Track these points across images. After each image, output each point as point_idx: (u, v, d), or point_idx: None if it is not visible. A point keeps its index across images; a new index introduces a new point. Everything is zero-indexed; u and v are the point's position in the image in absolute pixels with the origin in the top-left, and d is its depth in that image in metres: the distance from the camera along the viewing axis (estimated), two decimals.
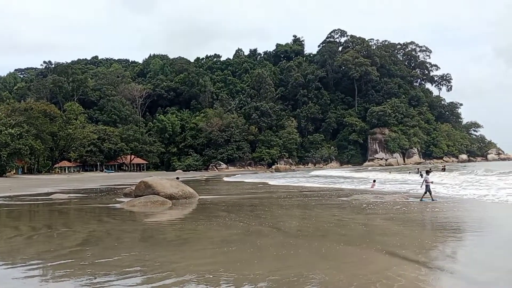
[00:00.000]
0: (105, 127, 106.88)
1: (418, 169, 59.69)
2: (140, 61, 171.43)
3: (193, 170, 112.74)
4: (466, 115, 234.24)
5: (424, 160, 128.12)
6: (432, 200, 17.73)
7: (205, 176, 77.25)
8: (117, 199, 22.39)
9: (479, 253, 8.15)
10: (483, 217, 13.79)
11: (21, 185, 41.61)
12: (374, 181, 31.41)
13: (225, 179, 56.43)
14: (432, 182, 18.97)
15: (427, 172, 19.44)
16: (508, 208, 15.83)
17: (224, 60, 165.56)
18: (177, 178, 31.74)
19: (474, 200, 18.67)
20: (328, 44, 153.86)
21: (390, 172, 55.22)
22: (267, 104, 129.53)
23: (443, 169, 52.43)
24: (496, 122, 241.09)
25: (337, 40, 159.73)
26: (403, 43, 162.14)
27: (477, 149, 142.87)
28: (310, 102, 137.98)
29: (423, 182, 18.63)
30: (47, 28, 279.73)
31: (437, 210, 14.85)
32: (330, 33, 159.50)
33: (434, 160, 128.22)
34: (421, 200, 17.88)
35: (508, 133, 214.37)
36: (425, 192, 18.14)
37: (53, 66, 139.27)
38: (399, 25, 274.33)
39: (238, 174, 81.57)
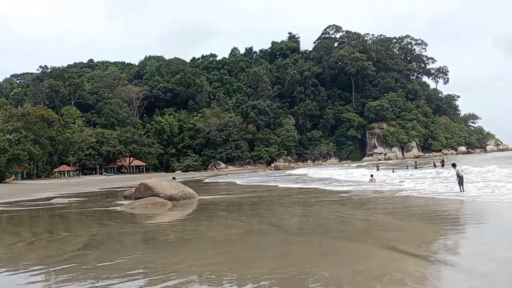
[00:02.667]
0: (103, 130, 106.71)
1: (415, 162, 59.52)
2: (136, 63, 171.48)
3: (192, 171, 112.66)
4: (465, 107, 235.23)
5: (423, 154, 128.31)
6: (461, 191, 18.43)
7: (197, 177, 77.21)
8: (117, 202, 22.39)
9: (479, 245, 8.19)
10: (483, 210, 13.82)
11: (21, 190, 41.51)
12: (372, 175, 31.61)
13: (206, 180, 56.77)
14: (463, 173, 19.45)
15: (453, 166, 20.07)
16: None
17: (220, 60, 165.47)
18: (173, 178, 31.79)
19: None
20: (324, 40, 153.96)
21: (378, 169, 50.40)
22: (264, 102, 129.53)
23: (442, 163, 52.03)
24: (494, 113, 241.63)
25: (333, 36, 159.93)
26: (399, 37, 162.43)
27: (476, 140, 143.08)
28: (307, 99, 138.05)
29: (457, 176, 19.19)
30: (42, 32, 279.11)
31: (437, 204, 14.89)
32: (325, 29, 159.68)
33: (433, 153, 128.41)
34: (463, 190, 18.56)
35: (506, 124, 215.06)
36: (461, 184, 18.82)
37: (49, 70, 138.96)
38: (395, 18, 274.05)
39: (229, 174, 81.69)
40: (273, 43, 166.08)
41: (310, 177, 45.35)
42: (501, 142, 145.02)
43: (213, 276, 6.60)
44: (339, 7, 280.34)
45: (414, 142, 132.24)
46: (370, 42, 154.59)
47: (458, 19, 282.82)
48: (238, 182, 43.82)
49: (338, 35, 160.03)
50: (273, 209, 16.59)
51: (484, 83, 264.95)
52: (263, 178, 51.70)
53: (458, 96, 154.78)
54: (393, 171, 43.16)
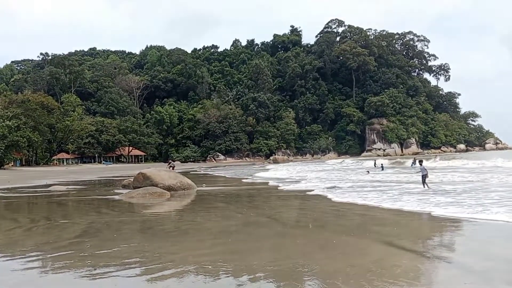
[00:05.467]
0: (102, 119, 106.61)
1: (414, 158, 59.81)
2: (137, 52, 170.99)
3: (191, 162, 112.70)
4: (465, 105, 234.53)
5: (422, 150, 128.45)
6: (424, 188, 18.57)
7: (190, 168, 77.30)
8: (116, 191, 22.41)
9: (475, 243, 8.21)
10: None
11: (19, 177, 41.57)
12: (368, 172, 31.76)
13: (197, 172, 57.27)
14: (426, 172, 19.35)
15: (420, 162, 20.52)
16: None
17: (221, 51, 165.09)
18: (170, 166, 32.20)
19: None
20: (326, 34, 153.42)
21: (375, 165, 45.23)
22: (265, 95, 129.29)
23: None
24: (494, 111, 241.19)
25: (335, 30, 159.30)
26: (401, 33, 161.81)
27: (475, 139, 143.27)
28: (307, 92, 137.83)
29: (422, 173, 19.27)
30: (44, 19, 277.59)
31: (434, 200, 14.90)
32: (327, 23, 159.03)
33: (432, 150, 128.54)
34: (427, 187, 18.66)
35: (506, 123, 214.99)
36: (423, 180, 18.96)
37: (50, 57, 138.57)
38: (400, 13, 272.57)
39: (227, 166, 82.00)
40: (275, 35, 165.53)
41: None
42: (500, 141, 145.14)
43: (210, 267, 6.62)
44: (343, 1, 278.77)
45: (414, 139, 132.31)
46: (372, 37, 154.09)
47: (463, 16, 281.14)
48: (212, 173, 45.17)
49: (340, 30, 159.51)
50: (270, 202, 16.62)
51: (485, 81, 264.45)
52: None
53: (459, 94, 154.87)
54: (368, 172, 34.75)
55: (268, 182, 27.51)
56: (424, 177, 18.80)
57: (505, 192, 15.68)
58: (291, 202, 16.97)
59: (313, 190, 19.86)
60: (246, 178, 34.13)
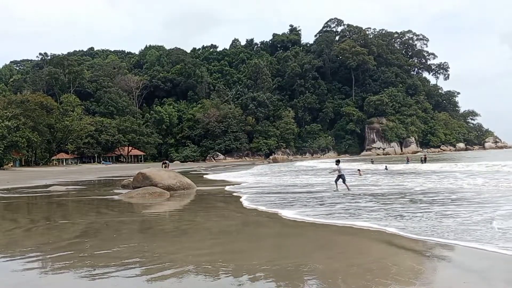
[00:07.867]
0: (102, 118, 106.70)
1: (407, 158, 59.19)
2: (136, 52, 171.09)
3: (191, 161, 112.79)
4: (464, 104, 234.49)
5: (421, 149, 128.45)
6: (349, 190, 17.80)
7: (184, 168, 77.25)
8: (115, 191, 22.40)
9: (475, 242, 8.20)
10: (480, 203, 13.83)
11: (18, 177, 41.54)
12: (359, 170, 31.72)
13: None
14: (340, 172, 18.59)
15: (337, 162, 19.31)
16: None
17: (220, 51, 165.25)
18: (164, 163, 32.36)
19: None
20: (325, 34, 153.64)
21: (372, 162, 48.51)
22: (264, 95, 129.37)
23: (424, 159, 49.95)
24: (494, 110, 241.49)
25: (334, 29, 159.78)
26: (401, 32, 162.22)
27: (475, 137, 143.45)
28: (307, 92, 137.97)
29: (337, 173, 18.65)
30: (43, 19, 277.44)
31: (434, 198, 14.91)
32: (326, 22, 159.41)
33: (431, 149, 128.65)
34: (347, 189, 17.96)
35: (506, 121, 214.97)
36: (336, 181, 18.45)
37: (49, 57, 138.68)
38: (400, 11, 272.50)
39: (227, 165, 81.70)
40: (274, 35, 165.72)
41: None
42: (500, 140, 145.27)
43: (210, 266, 6.62)
44: (343, 0, 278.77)
45: (413, 138, 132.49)
46: (371, 36, 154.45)
47: (463, 15, 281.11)
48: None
49: (339, 29, 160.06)
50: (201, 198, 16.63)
51: (485, 79, 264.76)
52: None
53: (458, 93, 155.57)
54: (358, 171, 31.21)
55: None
56: (339, 178, 18.18)
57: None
58: (208, 200, 17.98)
59: (237, 192, 19.91)
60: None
